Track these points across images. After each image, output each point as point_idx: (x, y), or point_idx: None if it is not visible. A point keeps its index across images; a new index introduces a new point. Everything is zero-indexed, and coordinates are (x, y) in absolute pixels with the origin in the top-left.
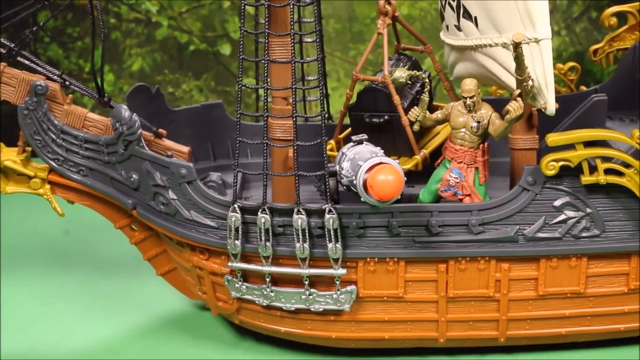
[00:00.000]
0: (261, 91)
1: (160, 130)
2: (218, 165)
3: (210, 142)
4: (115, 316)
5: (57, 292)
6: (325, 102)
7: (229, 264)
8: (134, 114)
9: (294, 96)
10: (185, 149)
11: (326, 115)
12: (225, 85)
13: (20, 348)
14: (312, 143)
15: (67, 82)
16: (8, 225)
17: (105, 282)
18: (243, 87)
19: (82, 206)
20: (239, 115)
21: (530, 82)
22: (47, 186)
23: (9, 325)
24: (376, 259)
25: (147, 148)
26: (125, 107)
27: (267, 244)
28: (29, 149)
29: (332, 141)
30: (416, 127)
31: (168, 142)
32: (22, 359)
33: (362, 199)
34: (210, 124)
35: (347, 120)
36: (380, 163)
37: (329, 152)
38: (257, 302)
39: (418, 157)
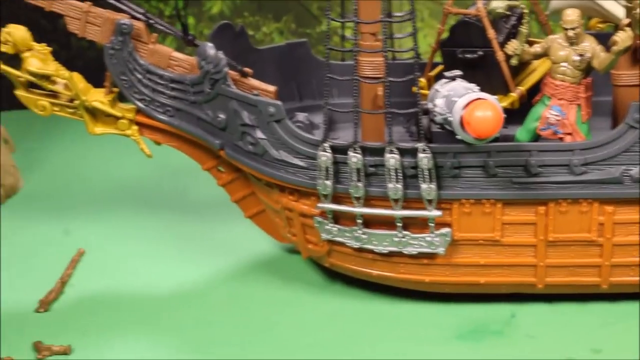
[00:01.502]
0: (348, 30)
1: (246, 69)
2: (304, 105)
3: (295, 82)
4: (203, 259)
5: (144, 235)
6: (415, 37)
7: (319, 205)
8: (220, 51)
9: (385, 30)
10: (271, 88)
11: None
12: (305, 27)
13: (108, 289)
14: (404, 79)
15: (151, 21)
16: (95, 168)
17: (193, 225)
18: (329, 25)
19: (170, 147)
20: (327, 52)
21: None
22: (135, 127)
23: (98, 268)
24: (472, 200)
25: (233, 86)
26: (210, 45)
27: (359, 184)
28: (115, 89)
29: (423, 79)
30: (514, 61)
31: (254, 81)
32: (110, 300)
33: (458, 136)
34: (295, 63)
35: (438, 58)
36: (478, 99)
37: (420, 90)
38: (348, 244)
39: (515, 94)
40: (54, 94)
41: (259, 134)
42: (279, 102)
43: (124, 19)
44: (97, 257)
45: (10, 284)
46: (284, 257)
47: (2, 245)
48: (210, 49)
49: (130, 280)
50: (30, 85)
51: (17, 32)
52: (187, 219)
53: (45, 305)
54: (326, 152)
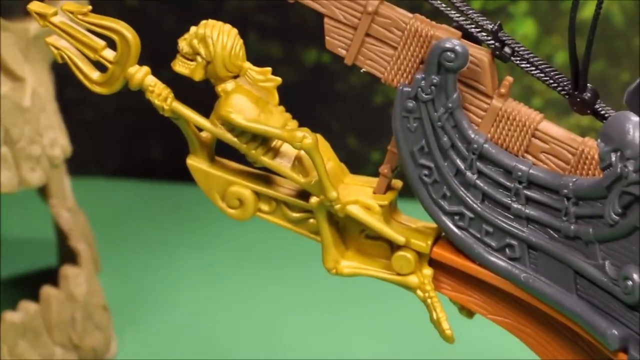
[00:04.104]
0: None
1: None
2: None
3: None
4: None
5: None
6: None
7: None
8: None
9: None
10: None
11: None
12: None
13: None
14: None
15: (507, 50)
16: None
17: None
18: None
19: (485, 320)
20: None
21: None
22: (428, 272)
23: None
24: None
25: None
26: (636, 119)
27: None
28: (398, 183)
29: None
30: None
31: None
32: None
33: None
34: None
35: None
36: None
37: None
38: None
39: None
40: (266, 176)
41: None
42: None
43: (451, 39)
44: None
45: None
46: None
47: None
48: (635, 127)
49: None
50: (217, 150)
51: (220, 39)
52: None
53: None
54: None
